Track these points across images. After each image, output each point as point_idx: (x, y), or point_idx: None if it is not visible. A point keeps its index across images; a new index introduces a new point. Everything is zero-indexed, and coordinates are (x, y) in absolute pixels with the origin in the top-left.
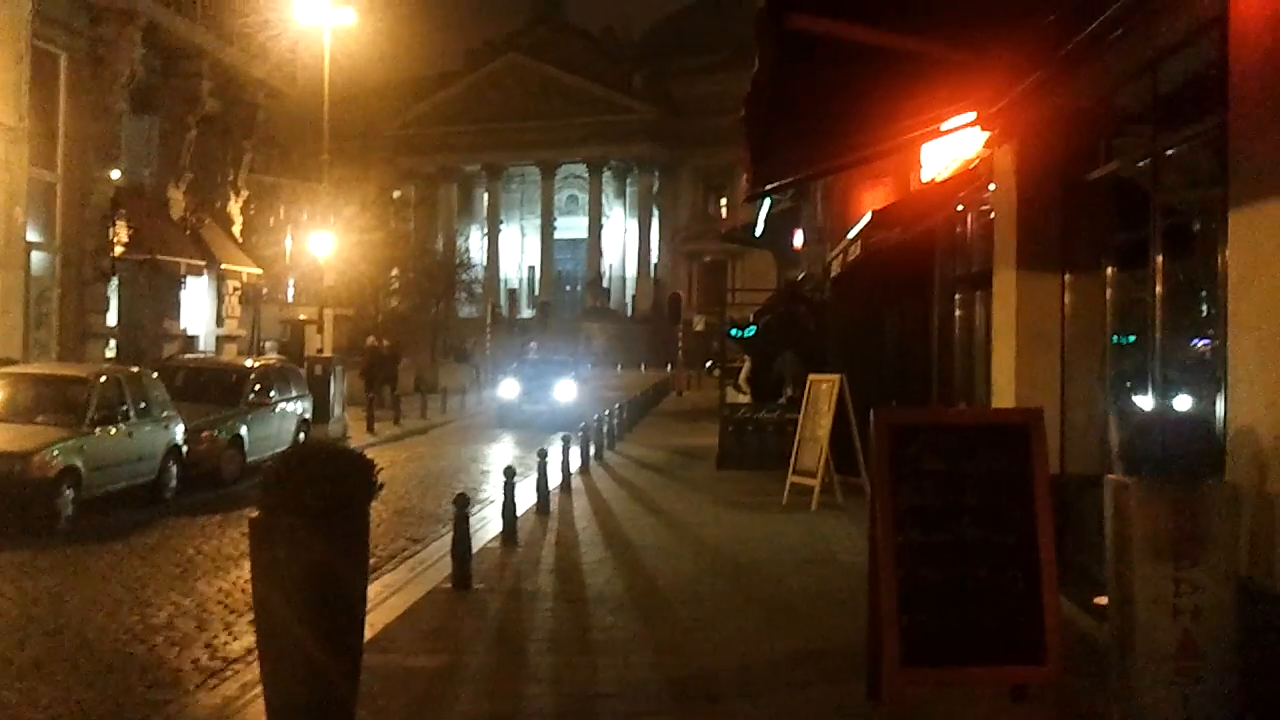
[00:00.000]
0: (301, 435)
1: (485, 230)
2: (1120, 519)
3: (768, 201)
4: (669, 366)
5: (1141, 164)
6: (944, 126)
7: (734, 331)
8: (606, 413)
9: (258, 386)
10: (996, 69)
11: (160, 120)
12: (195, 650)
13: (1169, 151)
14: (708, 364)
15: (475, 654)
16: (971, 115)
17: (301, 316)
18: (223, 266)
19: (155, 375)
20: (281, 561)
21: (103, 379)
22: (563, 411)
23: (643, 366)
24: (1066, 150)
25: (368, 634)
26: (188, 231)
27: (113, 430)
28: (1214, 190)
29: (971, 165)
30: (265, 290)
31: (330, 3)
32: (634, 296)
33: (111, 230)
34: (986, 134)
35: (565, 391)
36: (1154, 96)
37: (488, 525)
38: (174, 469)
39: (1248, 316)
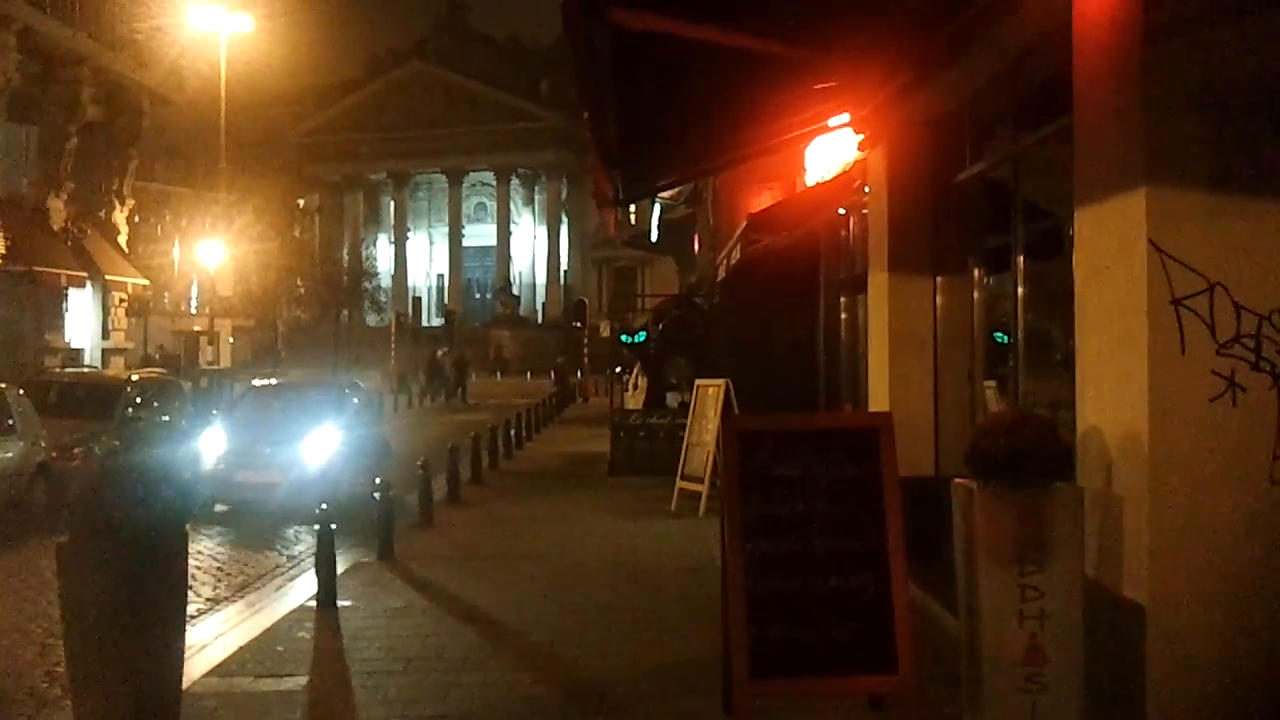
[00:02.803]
0: None
1: (393, 239)
2: (965, 524)
3: (658, 207)
4: (578, 373)
5: (1004, 166)
6: (830, 123)
7: (624, 337)
8: (505, 421)
9: (136, 400)
10: (863, 73)
11: (39, 128)
12: (33, 677)
13: (1026, 153)
14: (617, 370)
15: (328, 675)
16: (846, 117)
17: (196, 328)
18: (107, 278)
19: (21, 392)
20: (88, 586)
21: None
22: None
23: (552, 373)
24: (934, 152)
25: (220, 656)
26: (69, 242)
27: None
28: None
29: (849, 169)
30: (167, 300)
31: (226, 10)
32: (544, 303)
33: None
34: (861, 136)
35: (316, 450)
36: (1013, 99)
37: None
38: (43, 488)
39: (1093, 317)
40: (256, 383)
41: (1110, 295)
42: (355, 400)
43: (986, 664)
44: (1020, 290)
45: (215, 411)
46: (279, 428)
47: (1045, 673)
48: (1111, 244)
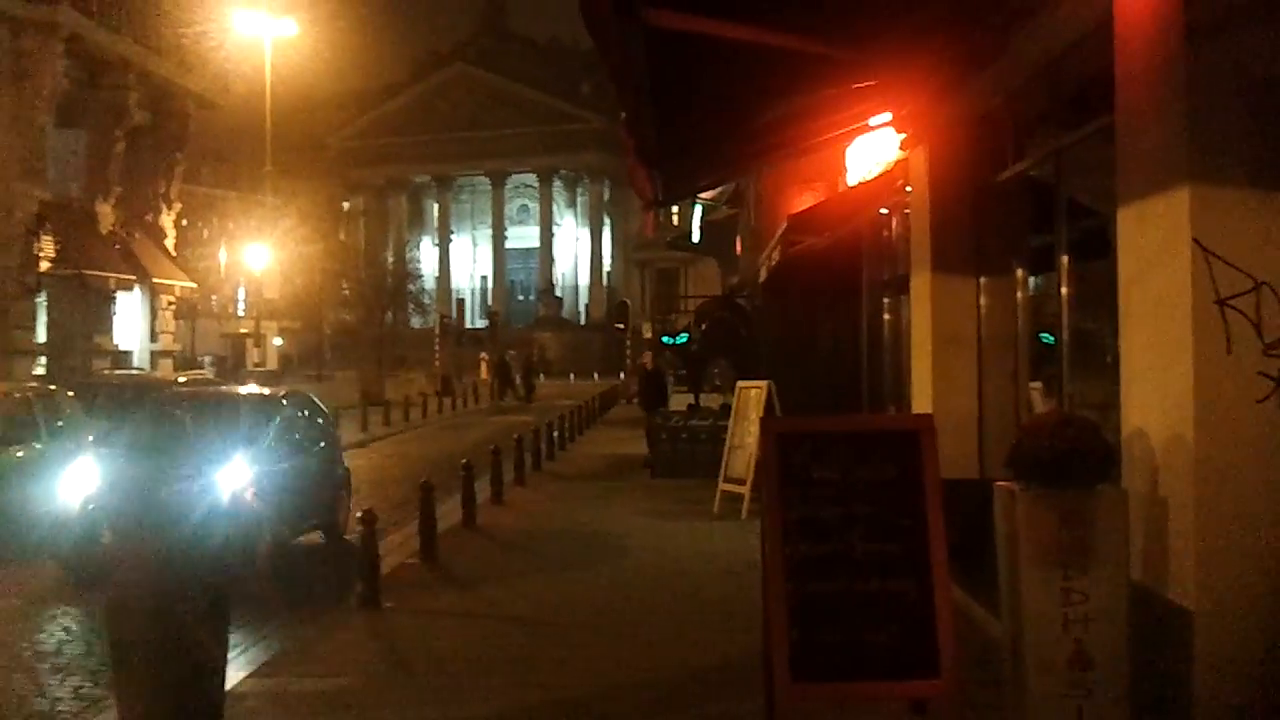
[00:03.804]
0: None
1: (437, 240)
2: (1008, 527)
3: (700, 208)
4: (621, 374)
5: (1046, 164)
6: (871, 123)
7: (665, 339)
8: (549, 422)
9: None
10: (904, 71)
11: (87, 133)
12: (79, 678)
13: (1068, 151)
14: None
15: (368, 677)
16: (888, 116)
17: (242, 330)
18: (155, 281)
19: (71, 394)
20: (132, 594)
21: (13, 398)
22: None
23: (595, 375)
24: (976, 152)
25: (263, 655)
26: (117, 246)
27: (19, 452)
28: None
29: (891, 168)
30: (214, 303)
31: (270, 14)
32: (587, 305)
33: (37, 245)
34: (903, 136)
35: (221, 493)
36: (1055, 97)
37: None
38: None
39: (1137, 317)
40: (181, 386)
41: (1154, 295)
42: (294, 417)
43: (1031, 669)
44: (1065, 290)
45: (91, 435)
46: (174, 460)
47: (1090, 678)
48: (1155, 243)
